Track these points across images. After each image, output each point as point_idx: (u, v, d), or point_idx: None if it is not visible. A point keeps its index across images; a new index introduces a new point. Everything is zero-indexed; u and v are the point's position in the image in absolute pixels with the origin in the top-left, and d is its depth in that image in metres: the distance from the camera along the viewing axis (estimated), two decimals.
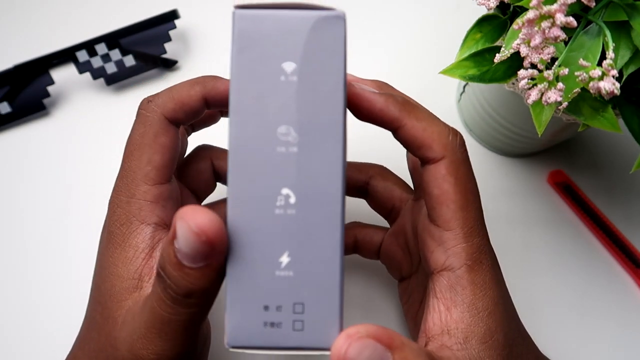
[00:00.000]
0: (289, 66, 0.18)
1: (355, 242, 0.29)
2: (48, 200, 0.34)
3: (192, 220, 0.17)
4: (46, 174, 0.35)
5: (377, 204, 0.28)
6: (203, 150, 0.28)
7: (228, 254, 0.18)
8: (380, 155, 0.31)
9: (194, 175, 0.27)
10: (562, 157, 0.37)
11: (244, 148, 0.18)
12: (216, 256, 0.17)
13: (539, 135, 0.24)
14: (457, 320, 0.20)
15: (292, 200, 0.18)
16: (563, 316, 0.33)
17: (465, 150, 0.22)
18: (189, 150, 0.28)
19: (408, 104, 0.21)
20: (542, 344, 0.28)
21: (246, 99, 0.18)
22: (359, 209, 0.33)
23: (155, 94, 0.23)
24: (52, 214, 0.34)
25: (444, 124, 0.21)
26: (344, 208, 0.18)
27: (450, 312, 0.21)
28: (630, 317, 0.33)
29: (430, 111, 0.22)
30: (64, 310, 0.31)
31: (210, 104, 0.23)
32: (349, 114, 0.22)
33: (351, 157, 0.32)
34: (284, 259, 0.18)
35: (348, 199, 0.30)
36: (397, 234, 0.27)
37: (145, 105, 0.23)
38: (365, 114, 0.21)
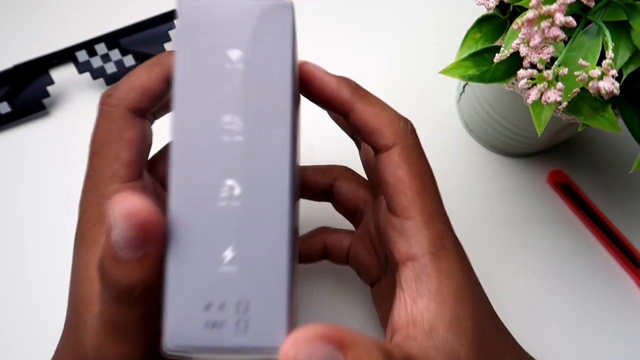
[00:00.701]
0: (235, 54, 0.18)
1: (324, 247, 0.28)
2: (48, 200, 0.34)
3: (122, 205, 0.16)
4: (46, 174, 0.35)
5: (341, 206, 0.28)
6: None
7: (168, 249, 0.17)
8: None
9: (166, 171, 0.26)
10: (562, 157, 0.37)
11: (187, 137, 0.17)
12: (152, 244, 0.16)
13: (539, 135, 0.24)
14: (423, 310, 0.20)
15: (237, 191, 0.17)
16: (563, 316, 0.33)
17: (417, 136, 0.21)
18: (158, 145, 0.26)
19: (360, 89, 0.21)
20: (542, 344, 0.28)
21: (190, 87, 0.17)
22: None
23: (114, 86, 0.22)
24: (52, 214, 0.34)
25: (395, 111, 0.21)
26: (292, 199, 0.18)
27: (415, 302, 0.20)
28: (630, 317, 0.33)
29: (381, 100, 0.21)
30: (63, 310, 0.31)
31: None
32: (316, 107, 0.21)
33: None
34: (228, 254, 0.17)
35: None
36: (363, 236, 0.27)
37: (106, 99, 0.22)
38: (317, 94, 0.21)
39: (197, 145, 0.17)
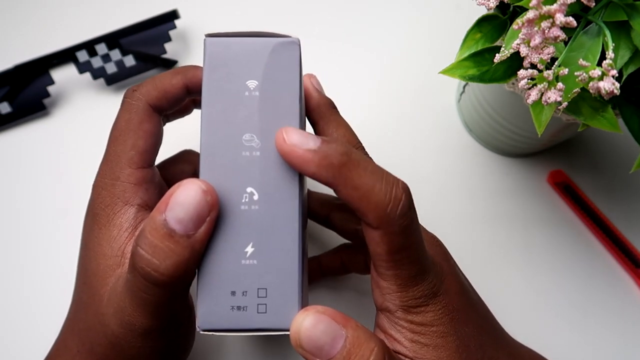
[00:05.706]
0: (252, 83, 0.21)
1: (342, 263, 0.30)
2: (48, 200, 0.34)
3: (200, 183, 0.19)
4: (46, 174, 0.35)
5: (339, 234, 0.29)
6: (188, 154, 0.29)
7: None
8: None
9: (177, 175, 0.28)
10: (562, 157, 0.37)
11: (214, 153, 0.20)
12: (207, 224, 0.19)
13: (539, 135, 0.24)
14: (405, 351, 0.21)
15: (256, 197, 0.20)
16: (563, 316, 0.33)
17: (408, 216, 0.20)
18: (171, 150, 0.29)
19: (344, 167, 0.19)
20: (542, 343, 0.28)
21: (216, 110, 0.20)
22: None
23: (139, 84, 0.24)
24: (51, 214, 0.34)
25: (387, 188, 0.19)
26: (301, 204, 0.20)
27: (395, 345, 0.21)
28: (630, 317, 0.33)
29: (376, 167, 0.20)
30: (63, 309, 0.31)
31: (192, 91, 0.24)
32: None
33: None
34: (249, 249, 0.20)
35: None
36: None
37: (131, 94, 0.24)
38: (300, 173, 0.20)
39: (223, 158, 0.20)
